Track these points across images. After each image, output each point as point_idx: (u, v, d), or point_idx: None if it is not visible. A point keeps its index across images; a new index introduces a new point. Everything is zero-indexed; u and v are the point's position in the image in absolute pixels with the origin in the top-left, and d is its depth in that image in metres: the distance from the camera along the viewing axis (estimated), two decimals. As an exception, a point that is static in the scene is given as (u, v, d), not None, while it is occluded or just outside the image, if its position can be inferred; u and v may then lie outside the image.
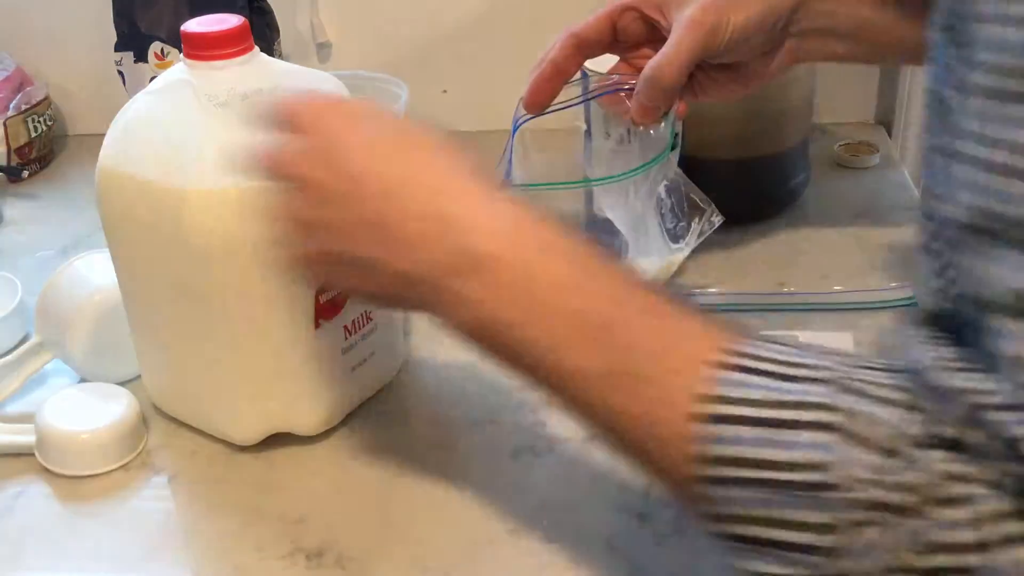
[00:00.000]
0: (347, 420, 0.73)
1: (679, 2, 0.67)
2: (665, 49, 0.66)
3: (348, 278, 0.53)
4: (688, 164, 0.83)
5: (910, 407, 0.41)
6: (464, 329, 0.50)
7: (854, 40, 0.71)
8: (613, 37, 0.70)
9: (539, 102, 0.68)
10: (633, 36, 0.70)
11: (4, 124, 1.08)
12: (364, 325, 0.71)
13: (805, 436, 0.41)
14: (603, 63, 0.84)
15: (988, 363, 0.39)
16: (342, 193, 0.51)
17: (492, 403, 0.74)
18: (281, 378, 0.68)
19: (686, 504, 0.46)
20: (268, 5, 1.03)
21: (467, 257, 0.48)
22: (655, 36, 0.70)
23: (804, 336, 0.77)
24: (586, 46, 0.68)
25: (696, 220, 0.81)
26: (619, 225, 0.79)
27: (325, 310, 0.68)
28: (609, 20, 0.69)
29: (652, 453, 0.46)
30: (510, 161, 0.72)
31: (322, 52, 1.14)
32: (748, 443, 0.42)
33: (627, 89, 0.71)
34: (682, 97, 0.71)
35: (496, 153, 1.13)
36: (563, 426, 0.71)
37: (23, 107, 1.09)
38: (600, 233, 0.81)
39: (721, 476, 0.43)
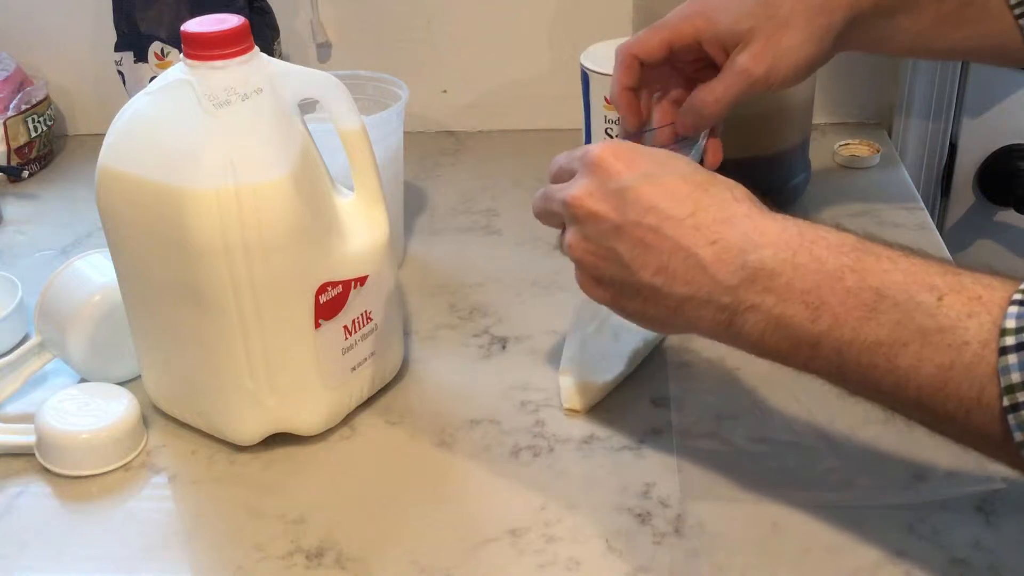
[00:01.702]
0: (347, 420, 0.73)
1: (738, 40, 0.70)
2: (715, 84, 0.70)
3: (631, 302, 0.58)
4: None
5: None
6: (751, 332, 0.54)
7: (906, 50, 0.77)
8: (667, 60, 0.73)
9: (639, 121, 0.74)
10: (686, 65, 0.74)
11: (4, 124, 1.08)
12: (364, 325, 0.71)
13: None
14: (604, 63, 0.84)
15: None
16: (633, 224, 0.56)
17: (492, 403, 0.74)
18: (281, 378, 0.68)
19: (996, 441, 0.48)
20: (268, 5, 1.03)
21: (758, 272, 0.53)
22: (706, 67, 0.73)
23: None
24: (647, 67, 0.72)
25: None
26: None
27: (325, 310, 0.68)
28: (668, 46, 0.72)
29: (958, 400, 0.49)
30: None
31: (322, 52, 1.14)
32: None
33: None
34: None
35: (498, 152, 1.13)
36: (563, 426, 0.71)
37: (23, 107, 1.09)
38: None
39: None
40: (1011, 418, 0.47)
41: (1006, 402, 0.47)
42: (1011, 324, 0.47)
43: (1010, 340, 0.47)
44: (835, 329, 0.51)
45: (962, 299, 0.49)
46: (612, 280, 0.58)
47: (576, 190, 0.58)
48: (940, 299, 0.49)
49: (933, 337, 0.49)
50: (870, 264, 0.51)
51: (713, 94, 0.70)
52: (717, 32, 0.71)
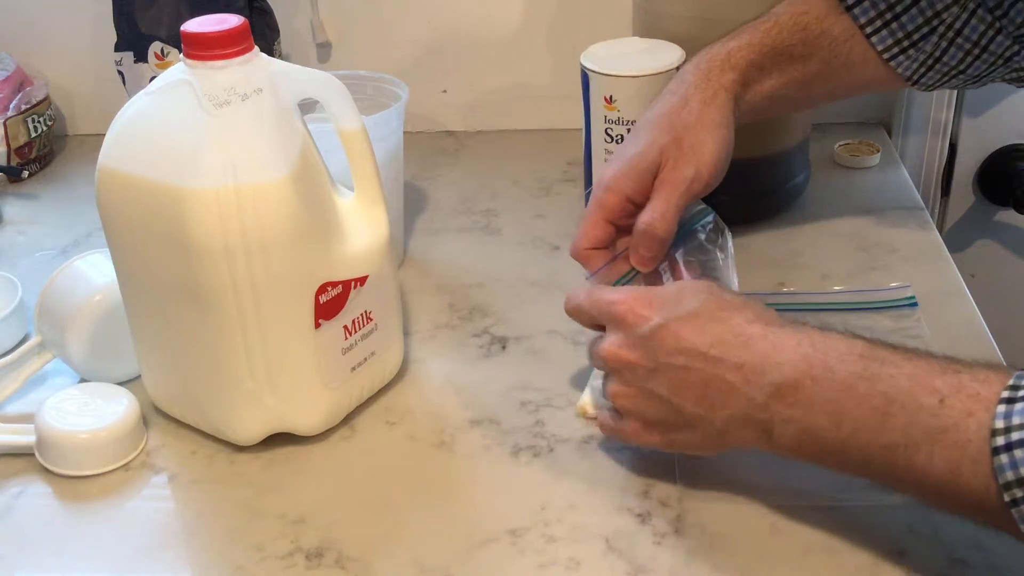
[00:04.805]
0: (347, 420, 0.73)
1: (657, 168, 0.71)
2: (655, 204, 0.70)
3: (680, 435, 0.62)
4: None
5: None
6: (788, 443, 0.58)
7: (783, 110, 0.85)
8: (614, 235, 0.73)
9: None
10: (628, 230, 0.72)
11: (4, 124, 1.08)
12: (364, 325, 0.71)
13: None
14: (604, 63, 0.84)
15: None
16: (664, 365, 0.60)
17: (492, 403, 0.74)
18: (281, 378, 0.68)
19: (1010, 530, 0.51)
20: (268, 5, 1.03)
21: (782, 387, 0.57)
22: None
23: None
24: (600, 249, 0.72)
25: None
26: None
27: (325, 310, 0.68)
28: (607, 223, 0.72)
29: (970, 494, 0.51)
30: None
31: (322, 52, 1.14)
32: None
33: None
34: None
35: (498, 152, 1.13)
36: (563, 426, 0.71)
37: (23, 107, 1.09)
38: None
39: None
40: (1014, 512, 0.49)
41: (1006, 498, 0.49)
42: (1000, 424, 0.50)
43: (1000, 440, 0.49)
44: (856, 435, 0.55)
45: (961, 398, 0.51)
46: (659, 419, 0.62)
47: (609, 344, 0.63)
48: (941, 401, 0.52)
49: (939, 437, 0.52)
50: (876, 370, 0.54)
51: (656, 212, 0.70)
52: (638, 178, 0.71)
